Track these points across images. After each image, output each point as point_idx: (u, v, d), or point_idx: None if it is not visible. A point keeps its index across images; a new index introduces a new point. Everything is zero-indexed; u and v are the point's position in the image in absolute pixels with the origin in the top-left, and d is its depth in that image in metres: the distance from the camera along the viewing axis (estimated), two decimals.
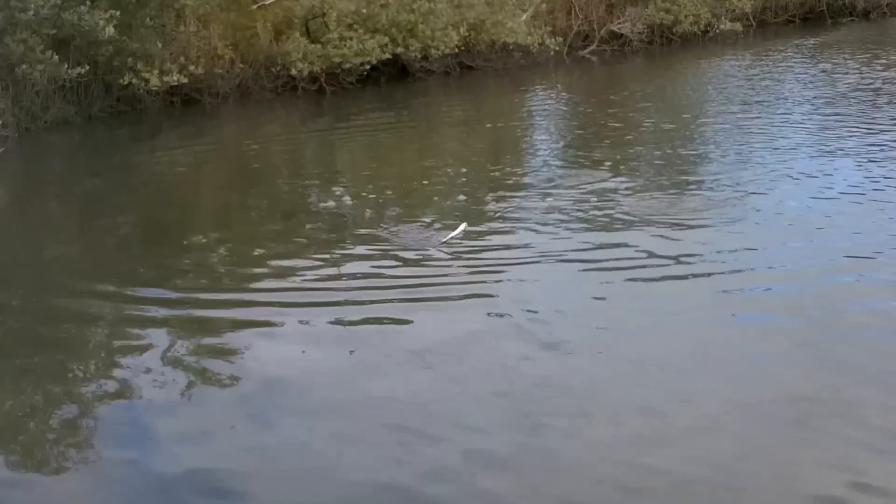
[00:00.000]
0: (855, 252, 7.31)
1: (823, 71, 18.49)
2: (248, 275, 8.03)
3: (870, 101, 14.80)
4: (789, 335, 5.91)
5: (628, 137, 13.43)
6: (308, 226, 9.63)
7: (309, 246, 8.73)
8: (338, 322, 6.70)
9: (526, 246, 8.02)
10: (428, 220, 9.02)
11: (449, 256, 7.79)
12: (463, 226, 8.14)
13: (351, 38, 19.11)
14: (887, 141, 11.31)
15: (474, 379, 5.59)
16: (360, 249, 8.42)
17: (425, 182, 11.16)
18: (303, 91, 19.29)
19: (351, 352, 6.22)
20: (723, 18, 24.71)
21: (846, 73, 17.73)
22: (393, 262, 7.85)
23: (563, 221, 8.64)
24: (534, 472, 4.60)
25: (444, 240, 7.94)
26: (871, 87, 16.07)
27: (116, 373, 6.11)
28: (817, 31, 26.32)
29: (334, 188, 11.41)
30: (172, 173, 13.51)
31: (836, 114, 13.83)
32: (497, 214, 9.05)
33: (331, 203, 10.54)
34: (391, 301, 6.93)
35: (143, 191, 12.26)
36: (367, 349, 6.19)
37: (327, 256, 8.30)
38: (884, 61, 18.70)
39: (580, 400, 5.27)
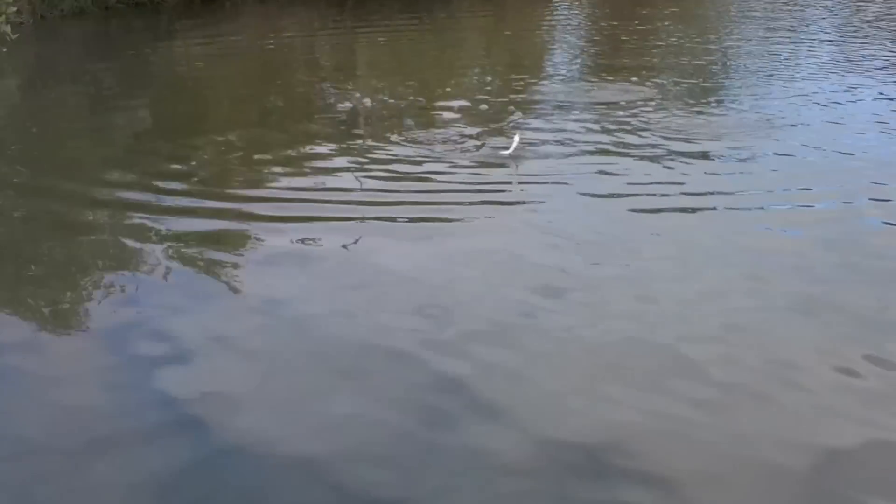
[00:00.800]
0: (879, 184, 7.16)
1: None
2: (261, 179, 7.69)
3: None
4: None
5: (653, 54, 13.26)
6: (326, 128, 9.43)
7: (326, 148, 8.52)
8: (343, 232, 6.31)
9: (547, 161, 7.78)
10: (450, 129, 8.77)
11: (473, 169, 7.53)
12: (517, 137, 7.89)
13: None
14: None
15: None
16: (377, 154, 8.11)
17: (447, 89, 10.93)
18: None
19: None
20: None
21: (873, 2, 17.43)
22: (406, 169, 7.64)
23: (581, 141, 8.38)
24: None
25: (509, 151, 7.71)
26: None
27: (115, 275, 5.84)
28: None
29: (352, 89, 11.20)
30: (188, 68, 13.35)
31: (863, 42, 13.61)
32: (516, 127, 8.77)
33: (347, 104, 10.35)
34: (406, 209, 6.71)
35: (156, 84, 12.08)
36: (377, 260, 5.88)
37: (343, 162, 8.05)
38: None
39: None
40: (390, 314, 5.00)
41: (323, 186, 7.29)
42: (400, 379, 4.34)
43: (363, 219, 6.49)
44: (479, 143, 8.23)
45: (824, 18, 16.70)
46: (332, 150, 8.42)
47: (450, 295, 5.22)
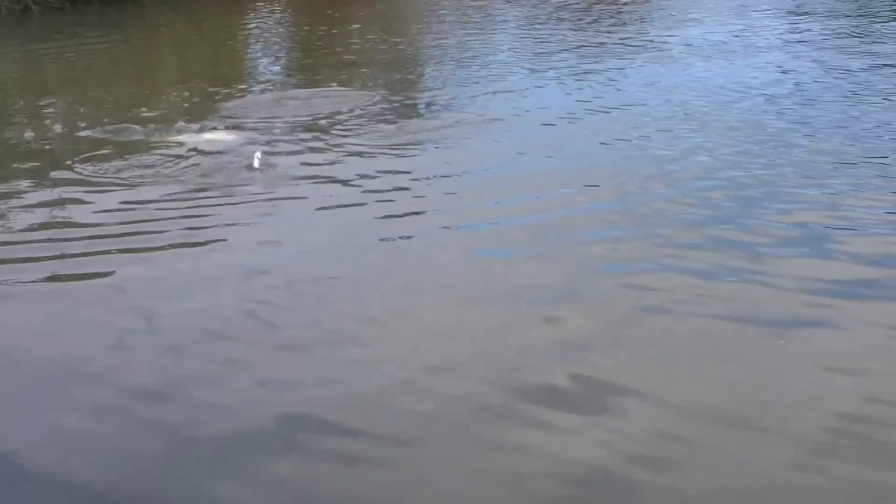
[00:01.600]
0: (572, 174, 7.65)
1: None
2: None
3: (577, 17, 15.66)
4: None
5: (350, 58, 13.50)
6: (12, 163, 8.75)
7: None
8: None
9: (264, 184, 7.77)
10: (149, 154, 8.53)
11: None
12: (258, 153, 7.83)
13: None
14: (593, 63, 12.01)
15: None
16: (64, 191, 7.58)
17: (144, 107, 10.61)
18: (6, 10, 18.07)
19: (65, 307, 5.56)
20: None
21: None
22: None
23: (291, 151, 8.47)
24: None
25: (256, 166, 7.62)
26: (580, 4, 16.95)
27: None
28: None
29: (39, 115, 10.66)
30: None
31: (548, 34, 14.49)
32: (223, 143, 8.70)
33: (31, 134, 9.73)
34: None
35: None
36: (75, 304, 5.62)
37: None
38: None
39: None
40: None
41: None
42: None
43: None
44: (188, 163, 8.11)
45: (509, 11, 17.61)
46: (21, 186, 7.96)
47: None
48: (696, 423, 3.99)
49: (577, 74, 11.19)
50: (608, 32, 14.30)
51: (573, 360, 4.56)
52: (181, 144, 8.74)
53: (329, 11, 18.25)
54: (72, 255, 6.20)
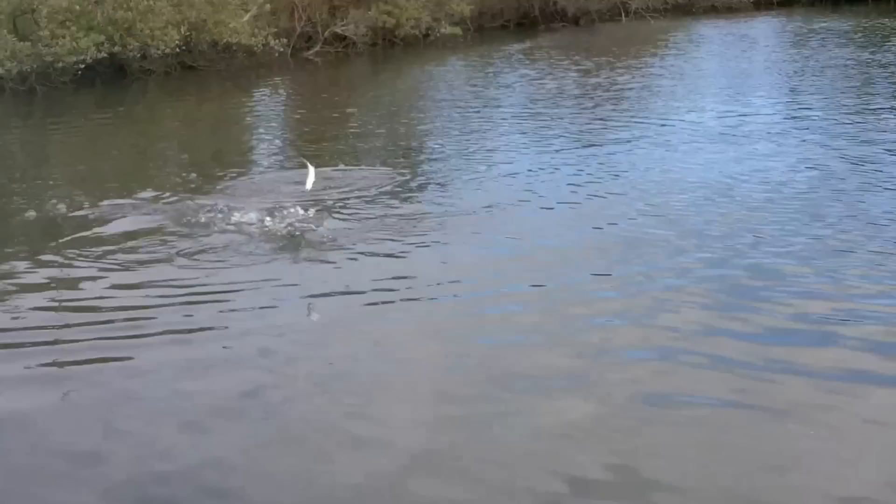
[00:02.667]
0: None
1: (536, 74, 19.46)
2: None
3: (577, 103, 15.80)
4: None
5: (350, 141, 13.63)
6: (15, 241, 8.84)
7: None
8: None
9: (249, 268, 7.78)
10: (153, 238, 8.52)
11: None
12: (311, 169, 7.88)
13: (64, 36, 18.31)
14: (594, 146, 12.13)
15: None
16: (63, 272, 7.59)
17: (147, 189, 10.59)
18: (11, 91, 18.29)
19: (65, 394, 5.50)
20: (443, 22, 25.52)
21: (556, 77, 18.74)
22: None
23: (284, 238, 8.48)
24: None
25: (307, 187, 7.71)
26: (576, 91, 17.15)
27: None
28: (531, 35, 27.60)
29: (44, 192, 10.70)
30: None
31: (550, 116, 14.67)
32: (225, 225, 8.72)
33: (32, 213, 9.62)
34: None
35: None
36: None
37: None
38: (589, 64, 19.92)
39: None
40: None
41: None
42: None
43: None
44: (186, 247, 8.13)
45: (513, 94, 17.82)
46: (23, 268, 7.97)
47: None
48: None
49: (576, 160, 11.26)
50: (606, 119, 14.47)
51: (578, 450, 4.52)
52: (187, 222, 8.79)
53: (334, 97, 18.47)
54: (69, 341, 6.17)
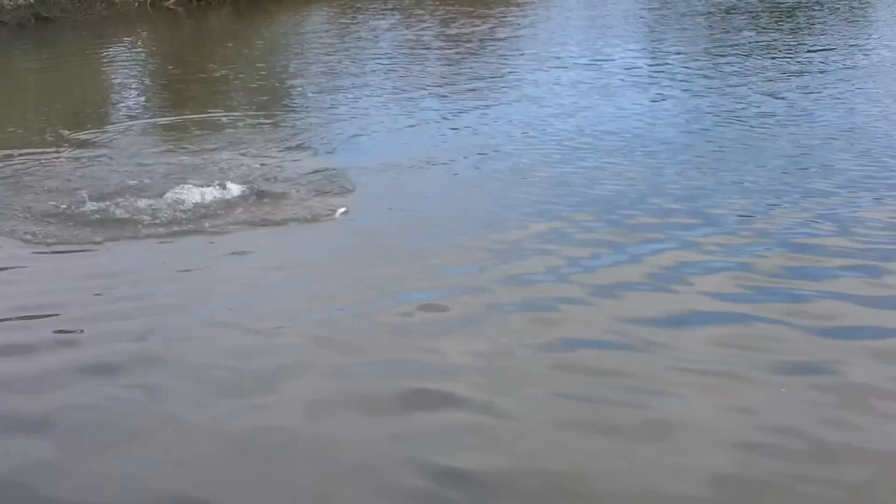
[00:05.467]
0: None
1: (406, 22, 19.45)
2: None
3: (441, 55, 15.94)
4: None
5: (214, 91, 13.50)
6: None
7: None
8: None
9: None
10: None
11: None
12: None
13: None
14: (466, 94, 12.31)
15: None
16: None
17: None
18: None
19: None
20: None
21: (429, 26, 18.80)
22: None
23: (149, 188, 8.45)
24: None
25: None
26: (439, 43, 17.28)
27: None
28: None
29: None
30: None
31: (423, 64, 14.79)
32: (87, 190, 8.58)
33: None
34: None
35: None
36: None
37: None
38: (449, 13, 20.01)
39: None
40: None
41: None
42: None
43: None
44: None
45: (380, 43, 17.81)
46: None
47: None
48: None
49: (444, 115, 11.42)
50: (471, 71, 14.63)
51: None
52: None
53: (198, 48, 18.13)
54: None
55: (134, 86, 15.15)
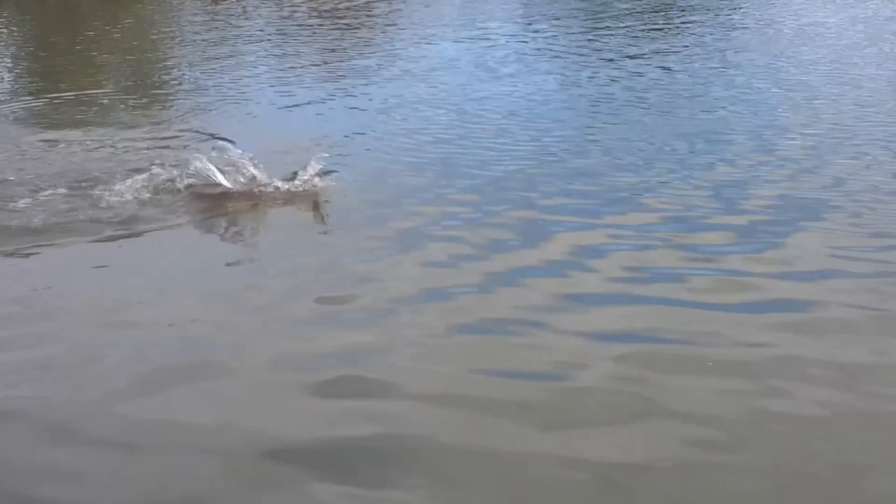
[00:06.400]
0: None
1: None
2: None
3: (313, 32, 15.80)
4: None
5: (87, 71, 13.11)
6: None
7: None
8: None
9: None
10: None
11: None
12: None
13: None
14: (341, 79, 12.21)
15: None
16: None
17: None
18: None
19: None
20: None
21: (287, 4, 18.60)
22: None
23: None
24: None
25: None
26: (313, 21, 17.11)
27: None
28: None
29: None
30: None
31: (298, 42, 14.63)
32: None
33: None
34: None
35: None
36: None
37: None
38: None
39: None
40: None
41: None
42: None
43: None
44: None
45: (247, 22, 17.55)
46: None
47: None
48: None
49: (324, 95, 11.32)
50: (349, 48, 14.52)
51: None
52: None
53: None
54: None
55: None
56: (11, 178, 7.99)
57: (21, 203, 7.31)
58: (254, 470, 4.00)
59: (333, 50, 14.22)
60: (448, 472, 3.96)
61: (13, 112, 11.02)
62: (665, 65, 12.15)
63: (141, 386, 4.69)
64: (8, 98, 11.94)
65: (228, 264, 6.36)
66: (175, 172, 7.63)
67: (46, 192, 7.53)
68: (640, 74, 11.67)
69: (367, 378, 4.70)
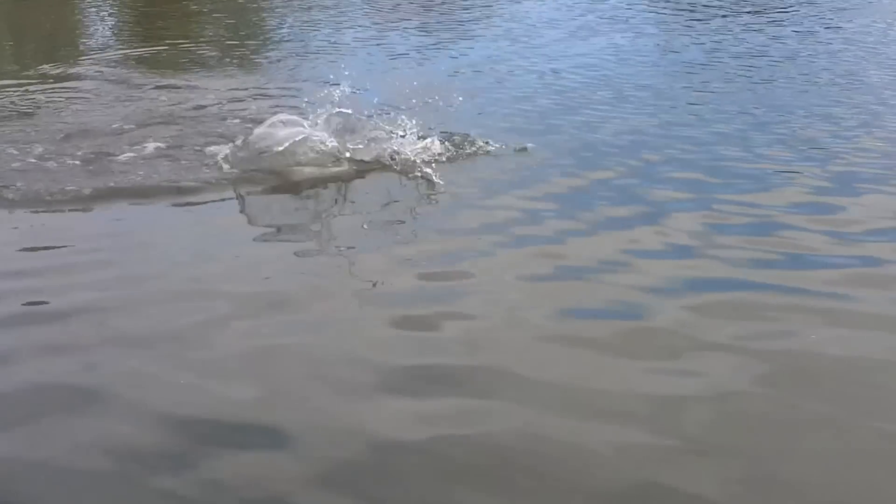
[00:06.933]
0: None
1: None
2: None
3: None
4: None
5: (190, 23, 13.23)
6: None
7: None
8: None
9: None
10: None
11: None
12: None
13: None
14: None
15: None
16: None
17: None
18: None
19: None
20: None
21: None
22: None
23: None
24: None
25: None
26: None
27: None
28: None
29: None
30: None
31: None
32: None
33: None
34: None
35: None
36: None
37: None
38: None
39: None
40: None
41: None
42: None
43: None
44: None
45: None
46: None
47: None
48: None
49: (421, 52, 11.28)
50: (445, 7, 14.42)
51: None
52: None
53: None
54: None
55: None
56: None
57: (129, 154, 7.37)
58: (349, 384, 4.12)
59: (432, 9, 14.15)
60: (529, 395, 4.00)
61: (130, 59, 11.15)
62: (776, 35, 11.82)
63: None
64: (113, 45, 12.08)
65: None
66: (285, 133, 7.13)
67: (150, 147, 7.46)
68: (740, 43, 11.36)
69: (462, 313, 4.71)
